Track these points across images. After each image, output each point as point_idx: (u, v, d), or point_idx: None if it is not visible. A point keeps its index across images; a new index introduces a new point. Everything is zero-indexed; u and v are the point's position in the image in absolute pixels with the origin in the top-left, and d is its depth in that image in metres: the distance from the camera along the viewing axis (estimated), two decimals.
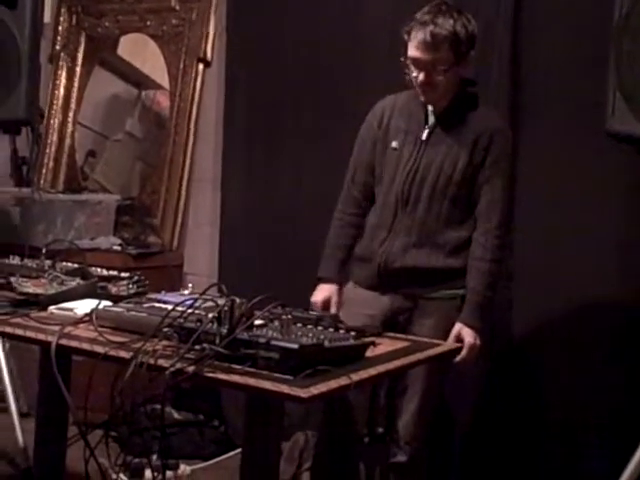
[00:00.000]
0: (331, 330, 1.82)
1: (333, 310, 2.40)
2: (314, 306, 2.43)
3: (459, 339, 2.28)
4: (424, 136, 2.35)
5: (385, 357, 1.82)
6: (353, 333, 1.81)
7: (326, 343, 1.67)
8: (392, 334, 2.09)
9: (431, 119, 2.36)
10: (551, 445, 2.82)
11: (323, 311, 2.36)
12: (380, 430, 2.35)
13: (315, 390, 1.52)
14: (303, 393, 1.49)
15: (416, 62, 2.28)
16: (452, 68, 2.27)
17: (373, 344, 1.81)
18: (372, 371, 1.70)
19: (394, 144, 2.38)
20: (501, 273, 2.40)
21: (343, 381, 1.59)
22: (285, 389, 1.51)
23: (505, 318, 2.91)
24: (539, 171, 2.85)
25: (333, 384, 1.57)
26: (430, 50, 2.24)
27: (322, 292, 2.46)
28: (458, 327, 2.29)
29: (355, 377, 1.62)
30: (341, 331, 1.82)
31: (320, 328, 1.84)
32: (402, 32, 2.30)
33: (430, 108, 2.37)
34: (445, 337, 2.24)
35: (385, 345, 1.92)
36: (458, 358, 2.24)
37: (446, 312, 2.33)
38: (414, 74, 2.29)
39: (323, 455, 2.55)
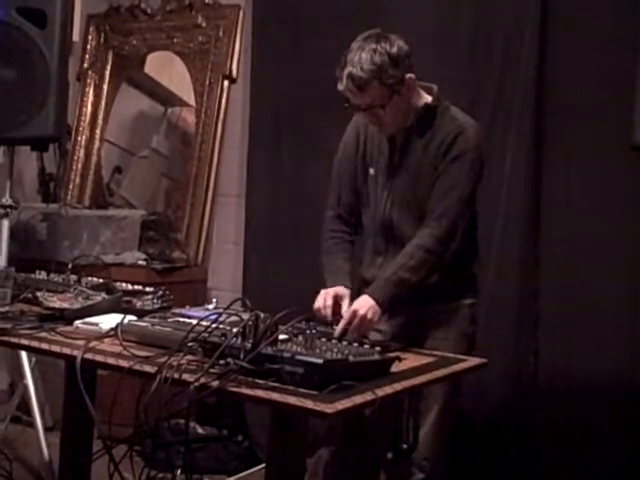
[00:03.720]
0: (355, 345, 1.81)
1: (344, 305, 2.17)
2: (321, 304, 2.17)
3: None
4: (395, 160, 2.29)
5: (410, 372, 1.80)
6: (378, 348, 1.80)
7: (351, 358, 1.66)
8: (417, 350, 2.08)
9: (399, 140, 2.29)
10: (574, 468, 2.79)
11: (331, 311, 2.15)
12: (404, 446, 2.32)
13: (340, 405, 1.51)
14: (328, 408, 1.48)
15: (355, 105, 2.19)
16: (390, 100, 2.16)
17: (398, 359, 1.80)
18: (397, 386, 1.68)
19: (371, 171, 2.34)
20: (432, 264, 2.20)
21: (368, 396, 1.58)
22: (310, 404, 1.50)
23: (531, 336, 2.89)
24: (565, 186, 2.84)
25: (358, 399, 1.56)
26: (359, 94, 2.14)
27: (331, 291, 2.21)
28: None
29: (380, 392, 1.61)
30: (366, 346, 1.81)
31: (344, 343, 1.83)
32: (336, 78, 2.17)
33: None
34: (456, 348, 2.19)
35: (410, 360, 1.90)
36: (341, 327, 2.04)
37: (454, 324, 2.29)
38: (359, 115, 2.24)
39: (338, 470, 2.52)
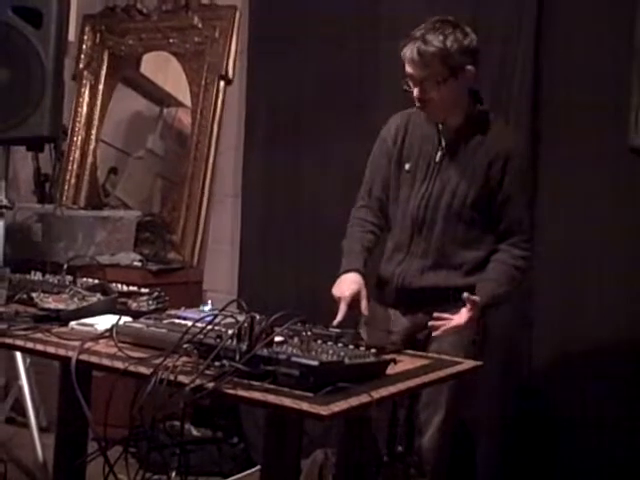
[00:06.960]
0: (351, 347, 1.81)
1: (363, 304, 2.25)
2: (340, 300, 2.24)
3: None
4: (437, 158, 2.33)
5: (406, 374, 1.80)
6: (373, 350, 1.80)
7: (346, 360, 1.65)
8: (412, 352, 2.08)
9: (444, 140, 2.34)
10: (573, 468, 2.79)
11: (349, 306, 2.22)
12: (400, 449, 2.32)
13: (335, 407, 1.50)
14: (323, 410, 1.48)
15: (410, 78, 2.28)
16: (446, 81, 2.24)
17: (394, 361, 1.80)
18: (393, 388, 1.68)
19: (407, 166, 2.37)
20: (521, 283, 2.35)
21: (364, 398, 1.57)
22: (305, 406, 1.49)
23: (525, 337, 2.89)
24: (560, 188, 2.84)
25: (354, 401, 1.55)
26: (419, 66, 2.24)
27: (349, 284, 2.27)
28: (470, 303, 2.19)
29: (376, 394, 1.60)
30: (361, 348, 1.81)
31: (340, 345, 1.82)
32: (399, 49, 2.29)
33: (441, 127, 2.35)
34: (465, 353, 2.20)
35: (406, 363, 1.90)
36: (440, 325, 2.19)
37: (465, 329, 2.29)
38: (411, 90, 2.30)
39: (343, 473, 2.52)
